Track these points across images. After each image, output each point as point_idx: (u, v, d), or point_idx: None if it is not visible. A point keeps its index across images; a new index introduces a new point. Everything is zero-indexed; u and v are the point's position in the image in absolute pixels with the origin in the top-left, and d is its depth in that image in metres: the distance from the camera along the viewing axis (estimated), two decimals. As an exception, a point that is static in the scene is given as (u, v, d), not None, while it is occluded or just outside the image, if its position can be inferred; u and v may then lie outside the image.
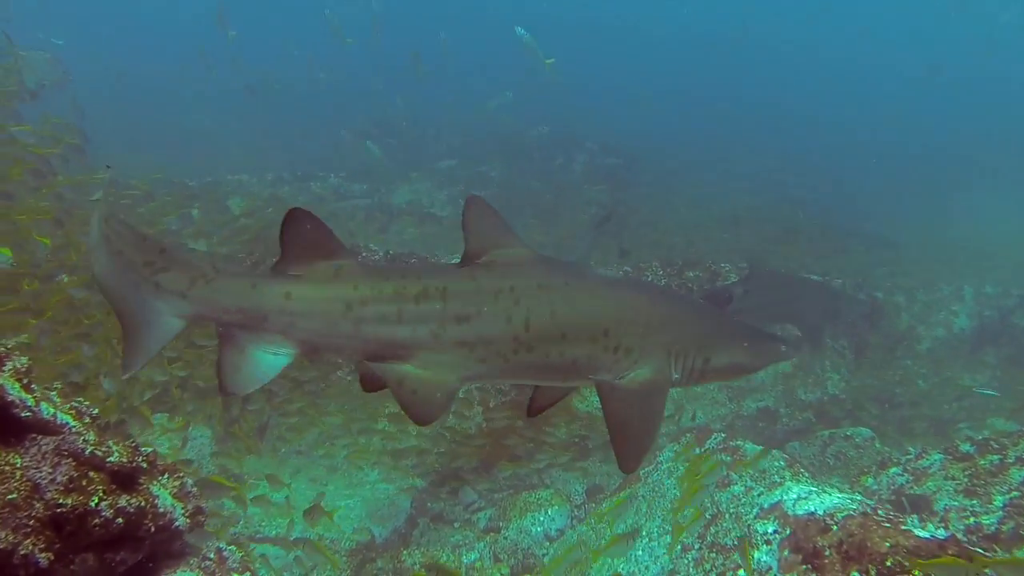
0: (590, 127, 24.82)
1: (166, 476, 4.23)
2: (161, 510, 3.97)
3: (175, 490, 4.20)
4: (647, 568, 6.19)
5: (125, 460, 3.83)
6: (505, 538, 7.96)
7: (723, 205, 20.29)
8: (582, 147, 22.97)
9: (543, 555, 7.78)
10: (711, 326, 3.85)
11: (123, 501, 3.70)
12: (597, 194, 20.19)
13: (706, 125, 31.86)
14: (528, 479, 9.80)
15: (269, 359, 3.38)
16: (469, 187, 21.40)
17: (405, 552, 7.27)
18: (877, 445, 9.93)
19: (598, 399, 3.73)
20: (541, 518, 8.22)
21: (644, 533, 6.63)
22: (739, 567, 5.30)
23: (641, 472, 7.83)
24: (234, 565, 4.60)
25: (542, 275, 3.54)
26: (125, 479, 3.84)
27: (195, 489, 4.37)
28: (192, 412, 8.69)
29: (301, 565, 6.64)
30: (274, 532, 7.81)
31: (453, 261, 4.06)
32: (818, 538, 4.81)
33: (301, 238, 3.36)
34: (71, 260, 8.22)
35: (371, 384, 3.46)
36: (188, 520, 4.19)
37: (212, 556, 4.59)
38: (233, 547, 4.71)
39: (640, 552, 6.45)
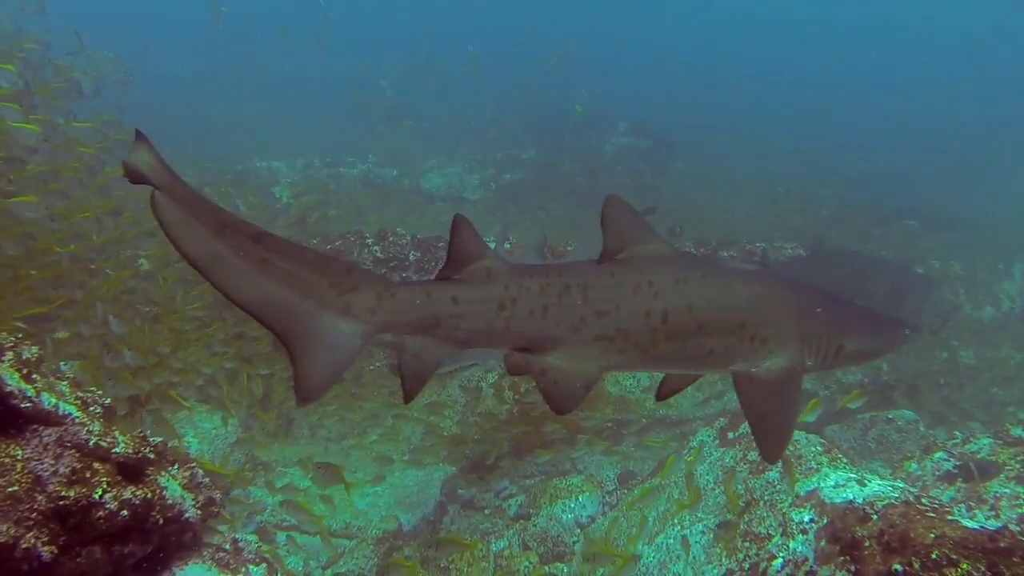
0: (623, 107, 24.37)
1: (176, 467, 4.13)
2: (170, 501, 3.86)
3: (185, 481, 4.09)
4: (678, 557, 5.98)
5: (131, 451, 3.72)
6: (535, 525, 7.80)
7: (764, 184, 19.84)
8: (615, 128, 22.58)
9: (573, 542, 7.60)
10: (841, 313, 3.94)
11: (128, 493, 3.59)
12: (632, 176, 19.82)
13: (744, 104, 31.19)
14: (560, 465, 9.63)
15: (432, 362, 3.53)
16: (501, 170, 21.19)
17: (431, 539, 7.14)
18: (921, 428, 9.57)
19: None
20: (572, 505, 8.04)
21: (676, 520, 6.42)
22: (773, 557, 5.07)
23: (672, 457, 7.61)
24: (249, 556, 4.50)
25: (679, 270, 3.66)
26: (132, 470, 3.74)
27: (207, 479, 4.26)
28: (231, 401, 8.64)
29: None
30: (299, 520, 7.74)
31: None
32: (857, 528, 4.55)
33: (461, 244, 3.56)
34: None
35: (516, 370, 3.60)
36: (199, 511, 4.08)
37: (228, 547, 4.50)
38: (251, 537, 4.61)
39: (671, 540, 6.24)
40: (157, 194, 2.95)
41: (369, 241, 10.63)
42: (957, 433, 7.37)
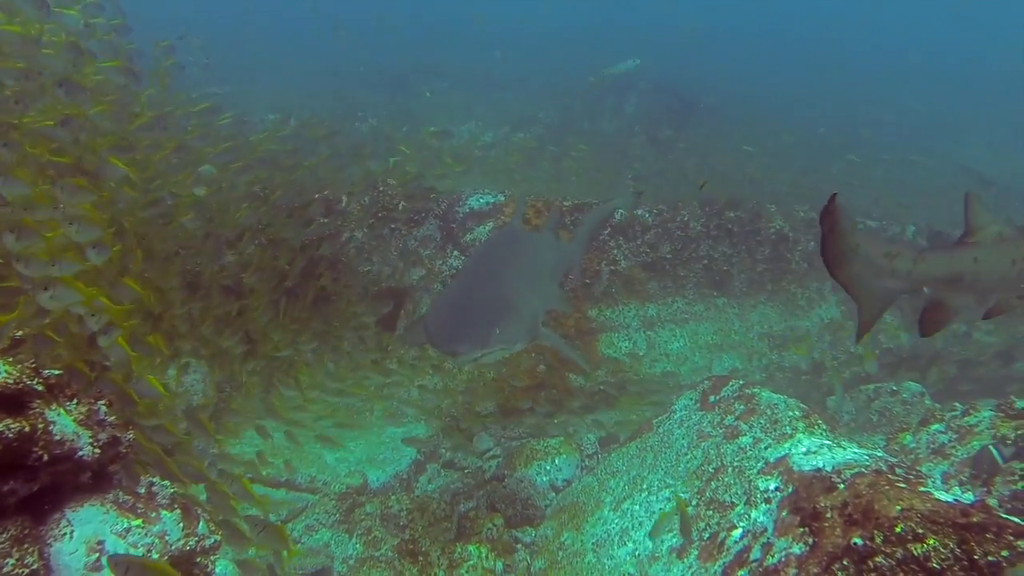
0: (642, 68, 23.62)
1: (74, 402, 3.81)
2: (58, 437, 3.55)
3: (81, 417, 3.77)
4: (640, 524, 5.61)
5: (11, 381, 3.41)
6: (505, 487, 7.48)
7: (786, 144, 19.13)
8: (635, 87, 21.91)
9: (545, 505, 7.28)
10: None
11: (1, 425, 3.29)
12: (650, 135, 19.21)
13: (764, 66, 30.18)
14: (549, 428, 9.30)
15: (952, 309, 4.46)
16: (516, 128, 20.70)
17: (394, 498, 6.84)
18: (927, 402, 9.09)
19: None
20: (547, 467, 7.71)
21: (645, 486, 6.05)
22: (733, 527, 4.68)
23: (655, 421, 7.23)
24: (163, 500, 4.20)
25: None
26: (11, 402, 3.43)
27: (112, 418, 3.94)
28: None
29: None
30: (264, 473, 7.49)
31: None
32: (821, 498, 4.15)
33: (973, 215, 4.38)
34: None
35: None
36: (98, 450, 3.76)
37: (142, 491, 4.20)
38: (167, 482, 4.31)
39: (637, 507, 5.88)
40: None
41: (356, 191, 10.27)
42: (957, 405, 6.88)
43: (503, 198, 10.65)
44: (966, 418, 6.58)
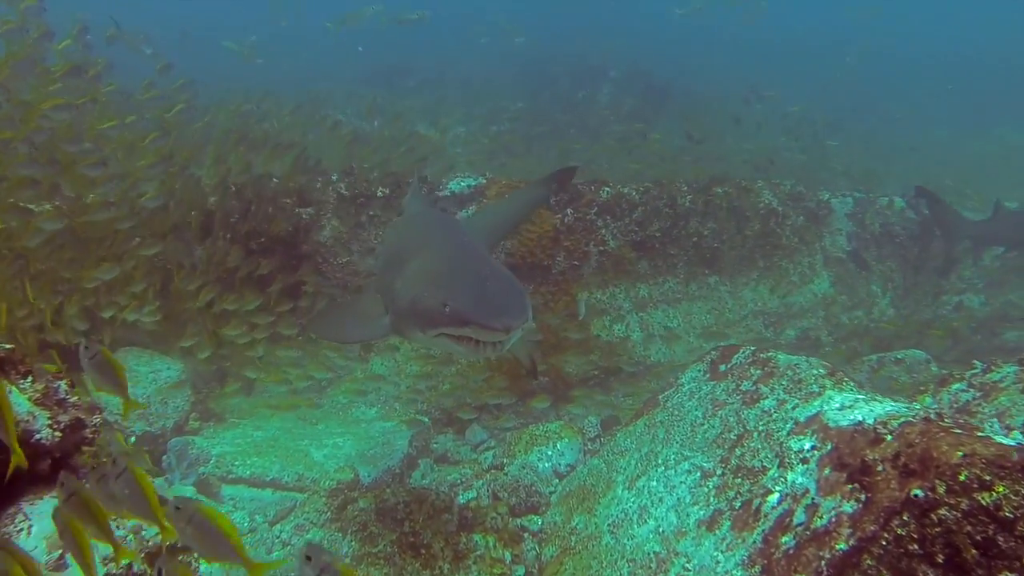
0: (614, 57, 23.38)
1: (28, 379, 3.33)
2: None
3: (37, 395, 3.29)
4: (660, 500, 5.21)
5: (-50, 356, 2.95)
6: (507, 475, 7.05)
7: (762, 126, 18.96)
8: (607, 76, 21.63)
9: (549, 492, 6.86)
10: None
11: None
12: (624, 121, 18.91)
13: (734, 55, 30.04)
14: (545, 415, 8.90)
15: None
16: (489, 122, 20.32)
17: (389, 491, 6.39)
18: (933, 368, 8.80)
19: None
20: (549, 452, 7.29)
21: (660, 461, 5.65)
22: (768, 492, 4.30)
23: (661, 397, 6.84)
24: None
25: None
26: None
27: (75, 398, 3.47)
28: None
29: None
30: (249, 472, 6.99)
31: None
32: (867, 451, 3.77)
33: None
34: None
35: None
36: (59, 434, 3.29)
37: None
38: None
39: (654, 483, 5.48)
40: None
41: (334, 177, 9.79)
42: (977, 363, 6.56)
43: (484, 180, 10.24)
44: (988, 375, 6.25)
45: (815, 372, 5.08)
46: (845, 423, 4.17)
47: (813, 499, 3.90)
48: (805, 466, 4.18)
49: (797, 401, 4.83)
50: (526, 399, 8.85)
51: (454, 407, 8.75)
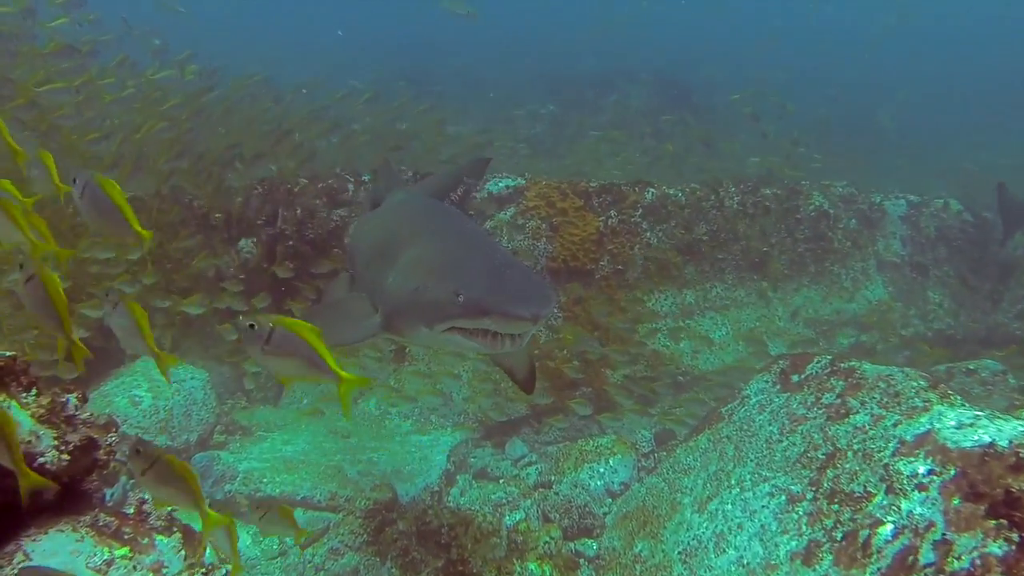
0: (644, 60, 22.93)
1: (32, 392, 2.85)
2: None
3: (42, 412, 2.82)
4: (740, 526, 4.66)
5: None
6: (557, 494, 6.52)
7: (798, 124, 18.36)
8: (637, 79, 21.14)
9: (603, 513, 6.32)
10: None
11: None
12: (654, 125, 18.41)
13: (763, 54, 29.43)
14: (587, 428, 8.36)
15: None
16: (519, 125, 19.91)
17: (431, 512, 5.88)
18: (1011, 380, 8.16)
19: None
20: (601, 469, 6.75)
21: (733, 481, 5.10)
22: (879, 523, 3.74)
23: (723, 410, 6.29)
24: (159, 523, 3.24)
25: None
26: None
27: (86, 414, 3.00)
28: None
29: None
30: (278, 491, 6.51)
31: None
32: (1010, 479, 3.21)
33: None
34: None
35: None
36: (67, 457, 2.82)
37: (130, 510, 3.25)
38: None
39: (729, 506, 4.93)
40: None
41: (365, 178, 9.36)
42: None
43: (523, 181, 9.74)
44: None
45: (914, 384, 4.51)
46: (969, 444, 3.61)
47: (943, 535, 3.33)
48: (923, 494, 3.62)
49: (898, 417, 4.27)
50: (564, 400, 8.31)
51: (494, 413, 8.23)
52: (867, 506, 3.90)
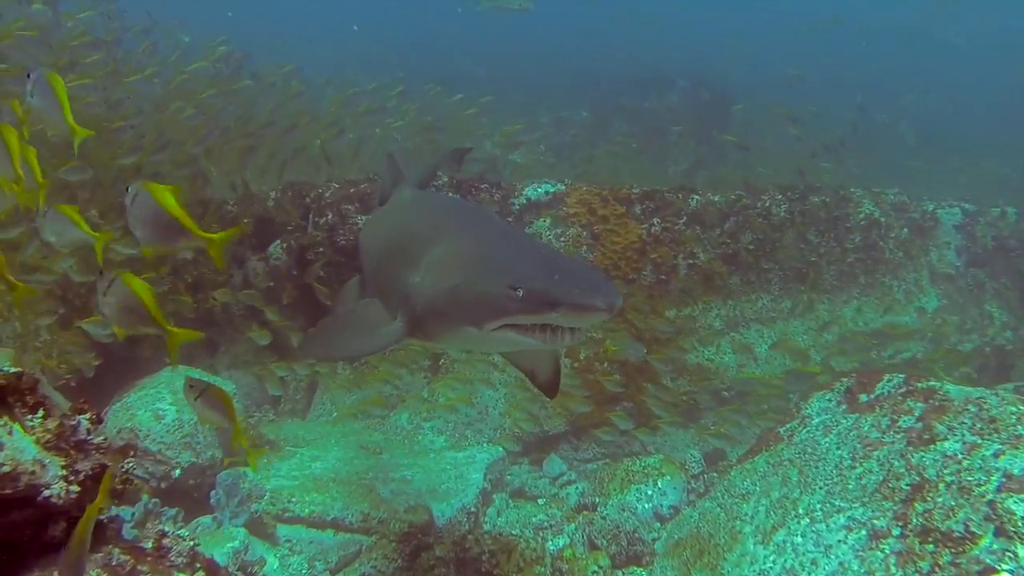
0: (681, 64, 22.52)
1: (38, 414, 2.52)
2: (7, 468, 2.27)
3: (49, 436, 2.48)
4: (815, 563, 4.22)
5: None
6: (603, 518, 6.11)
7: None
8: (674, 85, 20.71)
9: (652, 539, 5.90)
10: None
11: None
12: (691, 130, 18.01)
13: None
14: (628, 446, 7.95)
15: None
16: (554, 130, 19.60)
17: (471, 538, 5.50)
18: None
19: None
20: (649, 492, 6.33)
21: (802, 510, 4.67)
22: (991, 570, 3.30)
23: (782, 430, 5.85)
24: (180, 560, 2.89)
25: None
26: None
27: (100, 438, 2.66)
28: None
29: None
30: (307, 511, 6.16)
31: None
32: None
33: None
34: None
35: None
36: (76, 487, 2.48)
37: (148, 545, 2.90)
38: (183, 532, 3.01)
39: (798, 538, 4.49)
40: None
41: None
42: None
43: (563, 187, 9.36)
44: None
45: (1013, 409, 4.06)
46: (1095, 480, 3.16)
47: (1077, 589, 2.90)
48: (1045, 539, 3.18)
49: (999, 447, 3.82)
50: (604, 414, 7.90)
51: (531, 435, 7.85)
52: (972, 549, 3.46)
